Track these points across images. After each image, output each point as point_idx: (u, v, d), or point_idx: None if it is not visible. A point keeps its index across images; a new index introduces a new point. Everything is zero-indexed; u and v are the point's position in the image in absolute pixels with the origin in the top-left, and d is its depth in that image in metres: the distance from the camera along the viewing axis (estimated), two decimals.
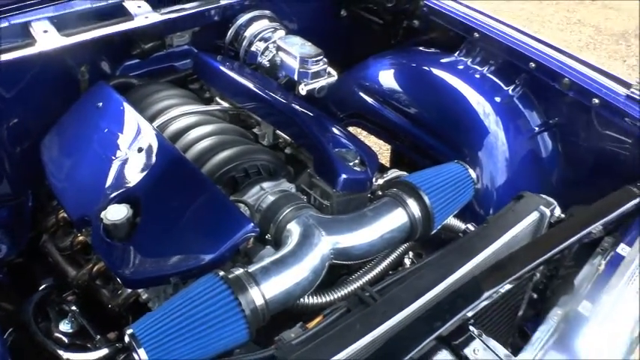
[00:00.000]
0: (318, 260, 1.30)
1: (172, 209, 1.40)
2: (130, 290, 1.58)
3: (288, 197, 1.46)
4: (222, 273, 1.20)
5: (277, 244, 1.39)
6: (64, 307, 1.65)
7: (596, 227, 1.45)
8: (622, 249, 1.52)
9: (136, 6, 1.84)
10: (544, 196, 1.51)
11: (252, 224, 1.34)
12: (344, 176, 1.49)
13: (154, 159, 1.49)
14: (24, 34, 1.71)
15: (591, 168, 1.83)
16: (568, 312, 1.39)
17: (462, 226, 1.64)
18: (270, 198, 1.46)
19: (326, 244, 1.33)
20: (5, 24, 1.69)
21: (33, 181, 1.87)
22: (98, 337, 1.60)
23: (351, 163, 1.53)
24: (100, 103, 1.67)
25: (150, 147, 1.51)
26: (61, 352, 1.54)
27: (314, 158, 1.57)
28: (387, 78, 2.10)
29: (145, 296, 1.55)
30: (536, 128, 1.89)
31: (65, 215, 1.79)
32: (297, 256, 1.28)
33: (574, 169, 1.87)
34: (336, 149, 1.56)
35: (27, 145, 1.81)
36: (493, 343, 1.23)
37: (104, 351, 1.54)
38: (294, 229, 1.36)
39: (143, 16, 1.82)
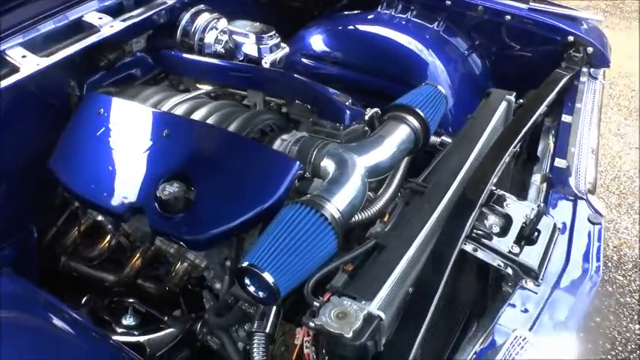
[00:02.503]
0: (360, 178, 1.53)
1: (221, 171, 1.56)
2: (185, 267, 1.70)
3: (310, 140, 1.66)
4: (298, 200, 1.40)
5: (318, 177, 1.60)
6: (122, 303, 1.73)
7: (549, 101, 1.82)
8: (564, 118, 1.91)
9: (96, 18, 1.93)
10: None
11: (298, 162, 1.53)
12: (348, 112, 1.74)
13: (184, 136, 1.63)
14: (0, 64, 1.75)
15: (516, 71, 2.23)
16: (545, 172, 1.75)
17: (437, 139, 1.95)
18: (295, 145, 1.65)
19: (360, 163, 1.56)
20: None
21: (34, 211, 1.90)
22: (166, 318, 1.70)
23: (347, 103, 1.78)
24: (101, 110, 1.76)
25: (175, 128, 1.64)
26: (139, 338, 1.63)
27: (317, 106, 1.79)
28: (325, 41, 2.36)
29: (203, 264, 1.68)
30: (465, 52, 2.26)
31: (86, 227, 1.86)
32: (345, 175, 1.50)
33: (502, 77, 2.26)
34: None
35: (22, 177, 1.83)
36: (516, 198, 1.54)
37: (182, 324, 1.65)
38: (330, 160, 1.57)
39: (108, 25, 1.91)
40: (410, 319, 1.17)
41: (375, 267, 1.26)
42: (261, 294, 1.31)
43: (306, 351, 1.25)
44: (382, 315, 1.15)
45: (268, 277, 1.26)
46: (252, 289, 1.32)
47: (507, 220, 1.46)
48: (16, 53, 1.76)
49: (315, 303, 1.19)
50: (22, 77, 1.70)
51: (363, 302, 1.17)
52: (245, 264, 1.29)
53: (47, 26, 1.86)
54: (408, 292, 1.28)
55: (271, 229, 1.34)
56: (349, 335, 1.10)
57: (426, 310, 1.16)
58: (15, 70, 1.72)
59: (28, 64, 1.73)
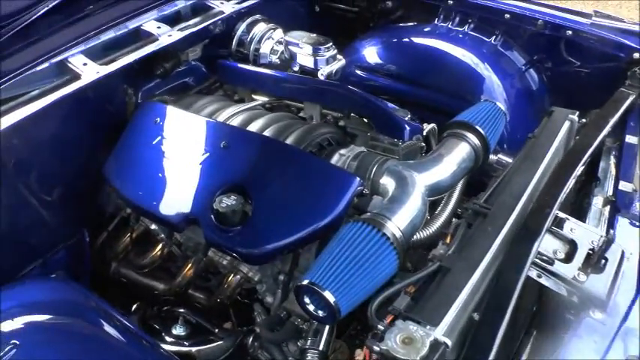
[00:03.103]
0: (420, 196, 1.50)
1: (279, 185, 1.54)
2: (237, 279, 1.69)
3: (369, 155, 1.64)
4: (359, 218, 1.37)
5: (377, 194, 1.56)
6: (173, 313, 1.73)
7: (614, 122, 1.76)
8: (628, 139, 1.84)
9: (155, 27, 1.94)
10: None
11: (358, 178, 1.51)
12: (408, 127, 1.71)
13: (242, 148, 1.62)
14: (63, 72, 1.77)
15: (574, 88, 2.16)
16: (607, 195, 1.69)
17: (494, 157, 1.90)
18: (354, 160, 1.63)
19: (421, 181, 1.53)
20: (45, 65, 1.74)
21: (86, 216, 1.92)
22: (217, 330, 1.69)
23: (406, 118, 1.75)
24: (158, 119, 1.76)
25: (233, 139, 1.64)
26: (190, 348, 1.62)
27: (375, 120, 1.76)
28: (380, 53, 2.33)
29: (256, 277, 1.67)
30: (523, 67, 2.21)
31: (138, 234, 1.87)
32: (405, 194, 1.47)
33: (560, 94, 2.20)
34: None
35: (77, 181, 1.85)
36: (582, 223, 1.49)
37: (234, 337, 1.64)
38: (389, 177, 1.54)
39: (166, 35, 1.92)
40: (477, 348, 1.13)
41: (440, 291, 1.23)
42: (320, 313, 1.29)
43: None
44: (448, 342, 1.12)
45: (329, 296, 1.24)
46: (311, 307, 1.30)
47: (572, 246, 1.41)
48: (77, 61, 1.78)
49: (379, 326, 1.16)
50: (83, 85, 1.72)
51: (428, 327, 1.13)
52: (305, 282, 1.27)
53: (107, 35, 1.88)
54: (471, 317, 1.24)
55: (332, 247, 1.32)
56: None
57: (493, 339, 1.12)
58: (76, 77, 1.74)
59: (88, 71, 1.75)
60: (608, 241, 1.38)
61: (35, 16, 1.73)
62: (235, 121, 1.79)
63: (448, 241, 1.40)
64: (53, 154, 1.77)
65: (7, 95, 1.64)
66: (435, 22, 2.36)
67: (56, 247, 1.84)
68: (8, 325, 1.35)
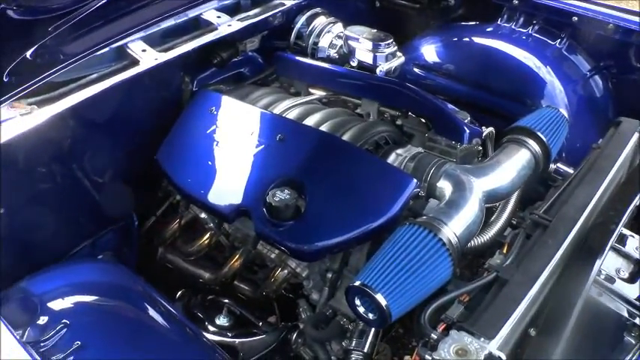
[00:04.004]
0: (477, 202, 1.45)
1: (335, 182, 1.52)
2: (285, 274, 1.68)
3: (427, 157, 1.60)
4: (415, 221, 1.34)
5: (433, 197, 1.52)
6: (217, 302, 1.73)
7: None
8: None
9: (215, 16, 1.94)
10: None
11: (415, 180, 1.48)
12: (468, 131, 1.66)
13: (299, 142, 1.60)
14: (122, 57, 1.78)
15: None
16: None
17: (552, 166, 1.83)
18: (411, 161, 1.59)
19: (479, 186, 1.49)
20: (105, 49, 1.75)
21: (137, 200, 1.93)
22: (261, 323, 1.68)
23: (466, 120, 1.70)
24: (213, 108, 1.76)
25: (290, 133, 1.62)
26: (233, 340, 1.62)
27: (434, 121, 1.72)
28: (439, 52, 2.28)
29: (304, 273, 1.65)
30: (588, 73, 2.12)
31: (187, 221, 1.87)
32: (463, 198, 1.43)
33: (626, 103, 2.10)
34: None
35: (130, 165, 1.86)
36: None
37: (278, 332, 1.63)
38: (447, 180, 1.51)
39: (226, 24, 1.92)
40: None
41: (496, 302, 1.18)
42: (370, 316, 1.27)
43: None
44: (503, 357, 1.08)
45: (381, 299, 1.22)
46: (361, 309, 1.28)
47: (637, 266, 1.36)
48: (137, 47, 1.79)
49: (432, 335, 1.12)
50: (141, 70, 1.72)
51: (482, 339, 1.10)
52: (357, 283, 1.25)
53: (167, 22, 1.88)
54: (527, 332, 1.20)
55: (386, 249, 1.30)
56: None
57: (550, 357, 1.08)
58: (135, 63, 1.75)
59: (147, 57, 1.76)
60: None
61: (100, 3, 1.74)
62: (291, 115, 1.77)
63: (505, 251, 1.36)
64: (108, 137, 1.78)
65: (67, 78, 1.66)
66: (498, 22, 2.29)
67: (105, 229, 1.86)
68: (58, 304, 1.37)
